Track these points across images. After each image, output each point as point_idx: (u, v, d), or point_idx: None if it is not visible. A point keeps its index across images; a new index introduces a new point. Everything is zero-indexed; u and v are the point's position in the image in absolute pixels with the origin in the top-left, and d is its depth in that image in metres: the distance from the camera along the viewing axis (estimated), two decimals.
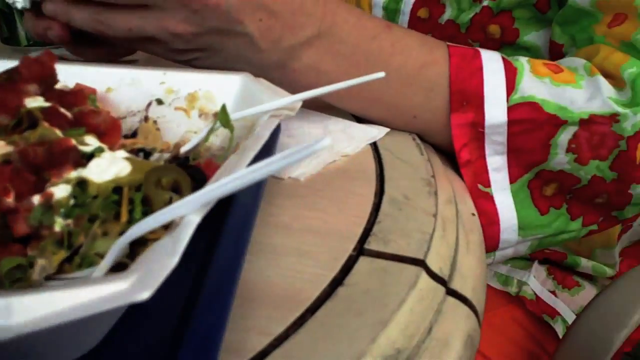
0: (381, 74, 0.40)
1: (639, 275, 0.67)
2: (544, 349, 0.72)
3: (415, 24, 0.65)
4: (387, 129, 0.53)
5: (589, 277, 0.77)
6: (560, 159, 0.52)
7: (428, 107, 0.53)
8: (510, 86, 0.51)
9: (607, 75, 0.53)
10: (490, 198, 0.52)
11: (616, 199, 0.55)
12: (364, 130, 0.53)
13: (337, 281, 0.36)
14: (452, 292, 0.38)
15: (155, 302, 0.33)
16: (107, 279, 0.25)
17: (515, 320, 0.72)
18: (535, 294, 0.73)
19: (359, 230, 0.40)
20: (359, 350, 0.31)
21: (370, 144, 0.51)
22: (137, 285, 0.26)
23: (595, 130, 0.51)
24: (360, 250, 0.39)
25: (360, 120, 0.55)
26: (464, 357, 0.35)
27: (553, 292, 0.74)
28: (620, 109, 0.51)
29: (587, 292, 0.76)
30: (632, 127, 0.52)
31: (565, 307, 0.73)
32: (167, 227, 0.31)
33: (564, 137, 0.51)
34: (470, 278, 0.40)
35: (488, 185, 0.52)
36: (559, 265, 0.76)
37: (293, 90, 0.42)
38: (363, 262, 0.38)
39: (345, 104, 0.54)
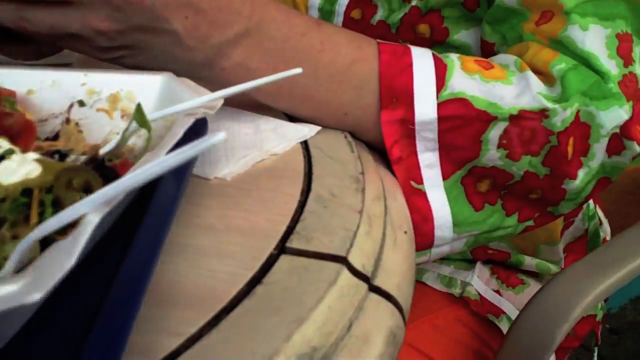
0: (298, 70, 0.40)
1: (579, 270, 0.67)
2: (490, 347, 0.72)
3: (348, 25, 0.65)
4: (319, 127, 0.52)
5: (534, 275, 0.78)
6: (491, 155, 0.52)
7: (358, 104, 0.52)
8: (440, 83, 0.51)
9: (537, 72, 0.54)
10: (423, 195, 0.52)
11: (550, 194, 0.55)
12: (295, 128, 0.52)
13: (256, 280, 0.35)
14: (375, 289, 0.38)
15: (64, 303, 0.32)
16: None
17: (459, 321, 0.72)
18: (479, 294, 0.73)
19: (282, 229, 0.40)
20: (273, 348, 0.31)
21: (301, 143, 0.51)
22: (29, 287, 0.26)
23: (526, 125, 0.52)
24: (281, 248, 0.38)
25: (294, 119, 0.54)
26: (385, 354, 0.35)
27: (497, 291, 0.74)
28: (549, 105, 0.51)
29: (532, 289, 0.77)
30: (561, 123, 0.52)
31: (510, 305, 0.73)
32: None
33: (495, 133, 0.51)
34: (395, 274, 0.40)
35: (420, 182, 0.52)
36: (503, 264, 0.77)
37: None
38: (284, 261, 0.37)
39: (276, 103, 0.53)
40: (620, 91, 0.54)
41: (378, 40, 0.54)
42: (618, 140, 0.54)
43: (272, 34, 0.50)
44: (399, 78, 0.51)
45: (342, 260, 0.37)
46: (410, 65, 0.52)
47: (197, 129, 0.45)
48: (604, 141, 0.54)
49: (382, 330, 0.36)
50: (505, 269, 0.76)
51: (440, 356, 0.69)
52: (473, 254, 0.75)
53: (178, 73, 0.47)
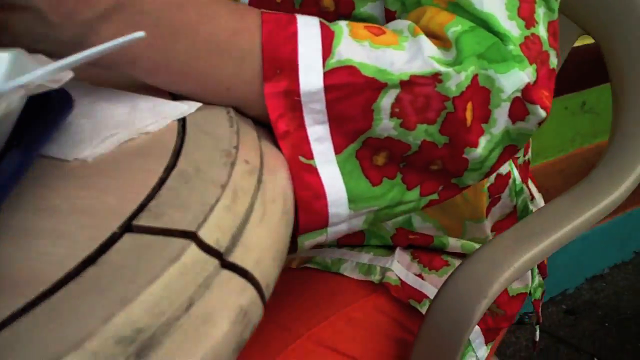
0: (140, 34, 0.37)
1: (497, 245, 0.65)
2: (413, 333, 0.69)
3: (253, 3, 0.62)
4: (199, 104, 0.49)
5: (460, 256, 0.75)
6: (385, 124, 0.49)
7: (241, 77, 0.49)
8: (327, 51, 0.48)
9: (433, 36, 0.51)
10: (314, 171, 0.49)
11: (452, 164, 0.53)
12: (174, 106, 0.49)
13: (89, 261, 0.32)
14: (228, 265, 0.35)
15: None
16: None
17: (379, 310, 0.69)
18: (399, 279, 0.70)
19: (133, 207, 0.37)
20: (86, 332, 0.28)
21: (179, 120, 0.48)
22: None
23: (419, 92, 0.49)
24: (127, 227, 0.35)
25: (178, 97, 0.51)
26: (231, 333, 0.32)
27: (419, 275, 0.72)
28: (441, 68, 0.49)
29: None
30: (456, 87, 0.49)
31: (434, 288, 0.71)
32: None
33: (386, 101, 0.49)
34: (256, 249, 0.37)
35: (310, 157, 0.49)
36: (426, 248, 0.74)
37: None
38: (127, 239, 0.34)
39: (155, 80, 0.50)
40: (521, 54, 0.52)
41: (262, 10, 0.51)
42: (521, 105, 0.52)
43: (144, 8, 0.47)
44: (283, 48, 0.48)
45: (192, 235, 0.34)
46: (295, 34, 0.49)
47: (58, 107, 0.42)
48: (505, 106, 0.52)
49: (230, 309, 0.33)
50: (428, 252, 0.74)
51: (358, 350, 0.66)
52: (394, 240, 0.72)
53: (49, 54, 0.44)
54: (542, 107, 0.53)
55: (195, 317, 0.31)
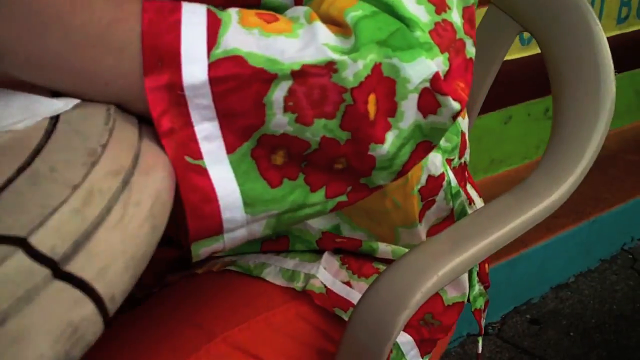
0: None
1: (421, 252, 0.61)
2: (336, 342, 0.65)
3: None
4: (76, 101, 0.45)
5: (392, 262, 0.71)
6: (279, 120, 0.46)
7: (120, 71, 0.45)
8: (212, 40, 0.44)
9: (333, 23, 0.48)
10: (203, 172, 0.45)
11: (357, 162, 0.49)
12: (48, 104, 0.45)
13: None
14: (63, 275, 0.30)
15: None
16: None
17: (300, 317, 0.65)
18: (325, 286, 0.66)
19: None
20: None
21: (52, 118, 0.43)
22: None
23: (313, 83, 0.45)
24: None
25: (59, 94, 0.47)
26: (50, 352, 0.28)
27: (347, 283, 0.68)
28: (335, 56, 0.45)
29: None
30: (354, 77, 0.45)
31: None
32: None
33: (278, 94, 0.45)
34: (103, 257, 0.32)
35: (199, 156, 0.45)
36: (355, 253, 0.70)
37: None
38: None
39: (27, 75, 0.45)
40: (430, 41, 0.48)
41: None
42: (430, 97, 0.48)
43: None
44: (165, 37, 0.44)
45: (20, 241, 0.30)
46: (179, 22, 0.45)
47: None
48: (413, 98, 0.48)
49: (55, 325, 0.28)
50: (358, 258, 0.70)
51: (274, 356, 0.62)
52: (320, 244, 0.68)
53: None
54: (454, 99, 0.49)
55: (5, 336, 0.27)
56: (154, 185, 0.40)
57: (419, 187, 0.69)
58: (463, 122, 0.77)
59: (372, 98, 0.46)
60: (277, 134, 0.46)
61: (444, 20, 0.50)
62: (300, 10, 0.48)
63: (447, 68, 0.49)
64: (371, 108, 0.47)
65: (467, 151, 0.80)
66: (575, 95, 0.75)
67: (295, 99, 0.45)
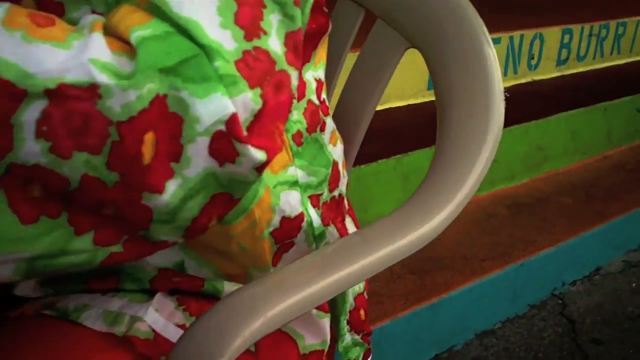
0: None
1: (253, 288, 0.51)
2: None
3: None
4: None
5: None
6: (30, 147, 0.37)
7: None
8: None
9: (123, 41, 0.39)
10: None
11: (130, 212, 0.40)
12: None
13: None
14: None
15: None
16: None
17: None
18: (153, 331, 0.56)
19: None
20: None
21: None
22: None
23: (73, 107, 0.37)
24: None
25: None
26: None
27: (183, 326, 0.57)
28: (101, 78, 0.36)
29: None
30: (122, 109, 0.37)
31: None
32: None
33: (30, 115, 0.36)
34: None
35: None
36: (196, 294, 0.60)
37: None
38: None
39: None
40: (236, 73, 0.40)
41: None
42: (226, 142, 0.40)
43: None
44: None
45: None
46: None
47: None
48: (204, 142, 0.40)
49: None
50: (199, 298, 0.60)
51: None
52: (153, 284, 0.58)
53: None
54: (257, 147, 0.40)
55: None
56: None
57: (270, 229, 0.59)
58: (335, 151, 0.68)
59: (149, 137, 0.38)
60: (29, 164, 0.37)
61: (256, 48, 0.42)
62: (89, 19, 0.40)
63: (258, 107, 0.40)
64: (147, 149, 0.38)
65: (343, 181, 0.70)
66: (460, 117, 0.67)
67: (49, 124, 0.37)
